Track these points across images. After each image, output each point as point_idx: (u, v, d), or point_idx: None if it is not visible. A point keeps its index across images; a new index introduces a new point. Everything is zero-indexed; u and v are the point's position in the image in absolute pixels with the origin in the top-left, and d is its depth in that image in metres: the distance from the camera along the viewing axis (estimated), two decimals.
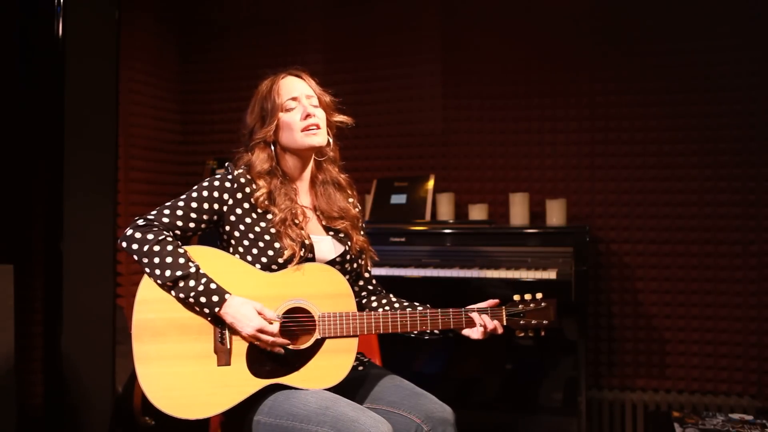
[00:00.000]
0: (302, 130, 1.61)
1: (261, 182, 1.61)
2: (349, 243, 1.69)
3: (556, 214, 2.83)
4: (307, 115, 1.61)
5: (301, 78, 1.68)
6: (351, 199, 1.76)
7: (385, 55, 3.30)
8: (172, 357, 1.49)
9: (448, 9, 3.21)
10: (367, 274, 1.78)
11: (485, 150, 3.17)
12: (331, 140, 1.70)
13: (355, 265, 1.71)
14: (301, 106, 1.63)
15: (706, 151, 2.89)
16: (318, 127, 1.62)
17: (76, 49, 2.41)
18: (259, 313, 1.49)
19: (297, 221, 1.60)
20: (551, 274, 2.52)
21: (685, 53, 2.91)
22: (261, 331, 1.47)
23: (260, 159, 1.63)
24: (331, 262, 1.63)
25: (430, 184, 2.99)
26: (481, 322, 1.58)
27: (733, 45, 2.84)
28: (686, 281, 2.90)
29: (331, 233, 1.69)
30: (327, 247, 1.65)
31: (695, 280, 2.89)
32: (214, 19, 3.59)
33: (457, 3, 3.20)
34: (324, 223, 1.69)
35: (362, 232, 1.76)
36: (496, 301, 1.63)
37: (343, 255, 1.66)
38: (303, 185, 1.71)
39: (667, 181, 2.93)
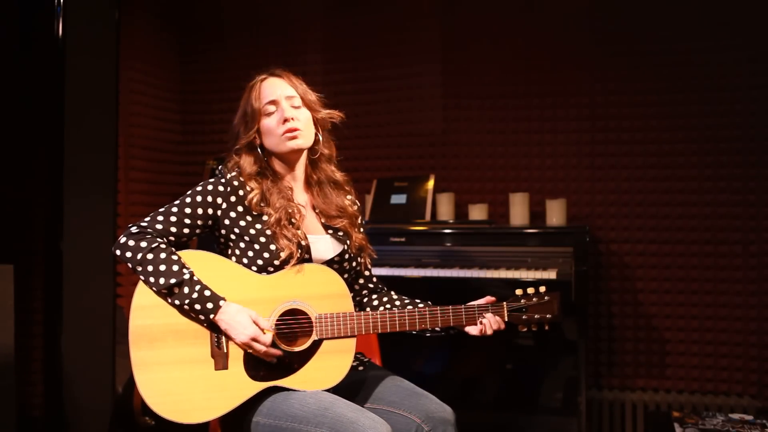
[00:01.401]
0: (282, 135, 1.60)
1: (252, 184, 1.60)
2: (348, 241, 1.68)
3: (556, 214, 2.83)
4: (285, 120, 1.59)
5: (282, 78, 1.65)
6: (349, 197, 1.75)
7: (385, 55, 3.30)
8: (169, 362, 1.49)
9: (448, 9, 3.20)
10: (367, 272, 1.77)
11: (485, 150, 3.16)
12: (321, 137, 1.67)
13: (354, 264, 1.70)
14: (279, 110, 1.61)
15: (706, 151, 2.88)
16: (297, 130, 1.60)
17: (76, 49, 2.42)
18: (254, 322, 1.49)
19: (293, 220, 1.60)
20: (551, 274, 2.52)
21: (685, 53, 2.90)
22: (255, 339, 1.47)
23: (248, 162, 1.62)
24: (330, 262, 1.63)
25: (430, 184, 2.99)
26: (481, 319, 1.58)
27: (733, 45, 2.84)
28: (686, 281, 2.90)
29: (330, 231, 1.68)
30: (325, 246, 1.64)
31: (695, 280, 2.89)
32: (214, 19, 3.59)
33: (457, 3, 3.20)
34: (323, 221, 1.68)
35: (361, 230, 1.76)
36: (494, 299, 1.63)
37: (341, 254, 1.66)
38: (298, 184, 1.69)
39: (667, 181, 2.93)
